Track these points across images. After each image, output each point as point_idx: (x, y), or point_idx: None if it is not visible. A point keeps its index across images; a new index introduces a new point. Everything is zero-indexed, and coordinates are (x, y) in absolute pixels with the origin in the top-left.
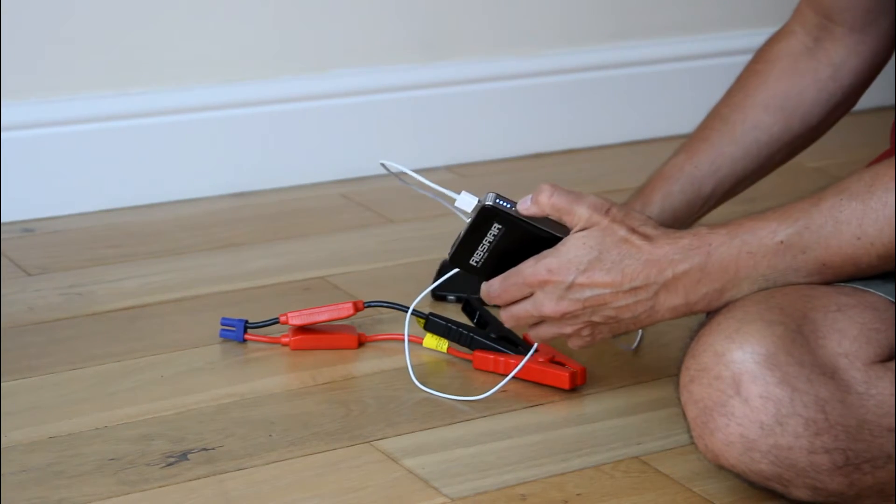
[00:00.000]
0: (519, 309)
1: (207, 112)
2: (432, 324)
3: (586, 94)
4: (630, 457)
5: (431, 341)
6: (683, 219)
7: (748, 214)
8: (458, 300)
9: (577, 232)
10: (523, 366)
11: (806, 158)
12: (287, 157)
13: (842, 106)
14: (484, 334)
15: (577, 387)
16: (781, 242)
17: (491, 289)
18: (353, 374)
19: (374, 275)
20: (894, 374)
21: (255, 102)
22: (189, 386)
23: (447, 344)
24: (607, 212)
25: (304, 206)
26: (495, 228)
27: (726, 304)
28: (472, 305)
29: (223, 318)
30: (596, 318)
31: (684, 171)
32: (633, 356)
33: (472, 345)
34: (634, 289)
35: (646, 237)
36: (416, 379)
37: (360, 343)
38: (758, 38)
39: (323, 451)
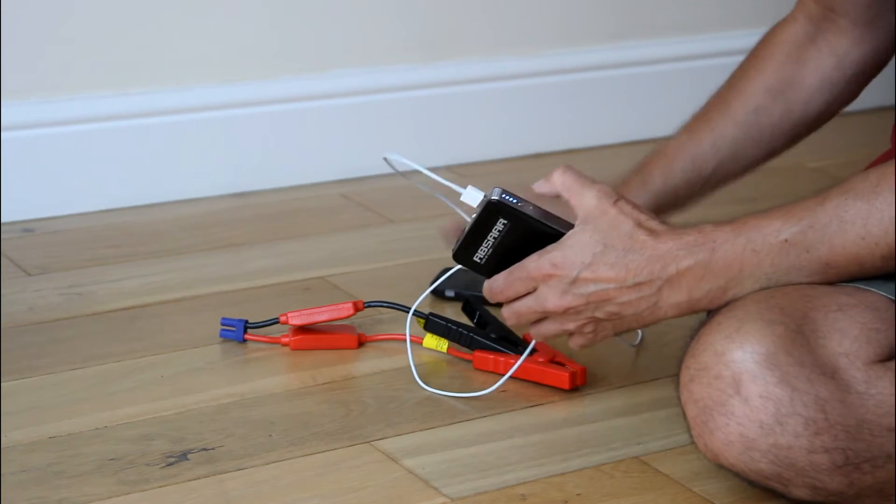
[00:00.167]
0: (521, 305)
1: (207, 112)
2: (432, 324)
3: (586, 94)
4: (630, 457)
5: (431, 341)
6: (683, 198)
7: (752, 213)
8: (456, 296)
9: (581, 220)
10: (524, 366)
11: (806, 158)
12: (287, 157)
13: (843, 97)
14: (484, 334)
15: (577, 387)
16: (786, 241)
17: (494, 284)
18: (353, 374)
19: (374, 275)
20: (894, 374)
21: (255, 102)
22: (189, 386)
23: (447, 344)
24: (615, 202)
25: (304, 206)
26: (500, 224)
27: (728, 303)
28: (472, 305)
29: (223, 318)
30: (599, 314)
31: (686, 149)
32: (633, 356)
33: (472, 345)
34: (638, 284)
35: (651, 232)
36: (417, 377)
37: (360, 343)
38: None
39: (323, 451)
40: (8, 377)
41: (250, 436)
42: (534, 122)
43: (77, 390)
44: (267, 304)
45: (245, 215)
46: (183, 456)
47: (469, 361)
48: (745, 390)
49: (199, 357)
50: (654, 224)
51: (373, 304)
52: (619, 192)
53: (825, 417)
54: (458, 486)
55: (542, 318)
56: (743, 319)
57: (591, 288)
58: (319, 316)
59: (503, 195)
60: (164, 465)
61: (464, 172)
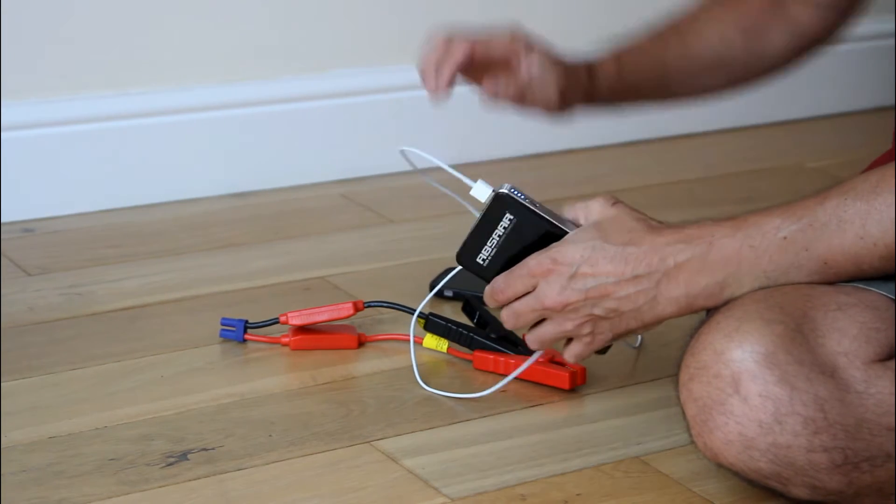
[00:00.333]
0: (520, 304)
1: (207, 112)
2: (432, 324)
3: None
4: (630, 457)
5: (431, 341)
6: (647, 88)
7: (752, 211)
8: (456, 296)
9: (584, 222)
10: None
11: (806, 158)
12: (287, 157)
13: (808, 47)
14: (484, 334)
15: (577, 387)
16: (785, 238)
17: (495, 285)
18: (353, 374)
19: (374, 275)
20: (894, 374)
21: (255, 102)
22: (189, 386)
23: (447, 344)
24: (614, 204)
25: (304, 206)
26: (507, 219)
27: (726, 302)
28: (472, 305)
29: (223, 318)
30: (597, 311)
31: (655, 49)
32: (634, 356)
33: (472, 345)
34: (637, 277)
35: (650, 227)
36: (420, 379)
37: (360, 343)
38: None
39: (323, 451)
40: (8, 377)
41: (250, 436)
42: (534, 122)
43: (77, 390)
44: (267, 304)
45: (245, 215)
46: (183, 456)
47: (469, 361)
48: (745, 389)
49: (199, 357)
50: (652, 221)
51: (373, 304)
52: (616, 196)
53: (824, 417)
54: (458, 486)
55: (541, 320)
56: (742, 318)
57: (591, 283)
58: (319, 316)
59: (512, 190)
60: (164, 465)
61: (464, 172)
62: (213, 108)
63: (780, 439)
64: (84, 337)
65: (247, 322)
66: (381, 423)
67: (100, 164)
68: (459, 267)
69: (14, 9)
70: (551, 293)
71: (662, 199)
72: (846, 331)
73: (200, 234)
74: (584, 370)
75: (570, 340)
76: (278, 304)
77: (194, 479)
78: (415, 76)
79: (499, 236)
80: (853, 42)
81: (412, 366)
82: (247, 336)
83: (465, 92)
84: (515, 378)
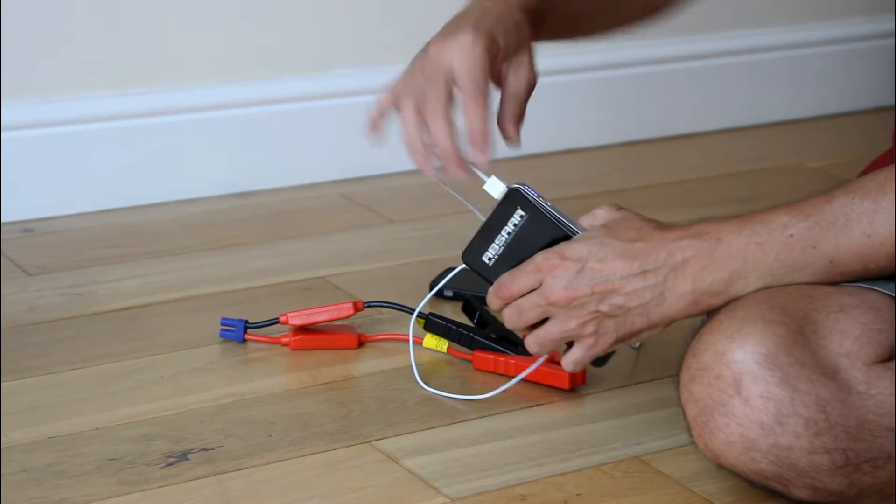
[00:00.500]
0: (525, 300)
1: (207, 112)
2: (432, 324)
3: (586, 94)
4: (630, 457)
5: (431, 341)
6: (562, 35)
7: (759, 209)
8: (456, 296)
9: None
10: (523, 366)
11: (806, 158)
12: (287, 157)
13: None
14: (484, 334)
15: (577, 387)
16: (791, 236)
17: (500, 280)
18: (353, 374)
19: (374, 275)
20: (894, 375)
21: (255, 102)
22: (189, 386)
23: (447, 344)
24: (620, 209)
25: (304, 206)
26: (518, 216)
27: (729, 302)
28: (472, 305)
29: (223, 318)
30: (603, 308)
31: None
32: (634, 356)
33: (472, 345)
34: (645, 272)
35: (658, 225)
36: (420, 379)
37: (360, 343)
38: (757, 38)
39: (323, 451)
40: (8, 377)
41: (250, 436)
42: (534, 122)
43: (77, 390)
44: (267, 304)
45: (245, 215)
46: (183, 456)
47: (469, 361)
48: (746, 390)
49: (199, 357)
50: (659, 221)
51: (373, 304)
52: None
53: (826, 418)
54: (458, 486)
55: (543, 319)
56: (744, 319)
57: (598, 277)
58: (319, 316)
59: (526, 187)
60: (164, 465)
61: None
62: (213, 108)
63: (782, 441)
64: (84, 337)
65: (247, 322)
66: (381, 423)
67: (100, 164)
68: (461, 266)
69: (14, 9)
70: (557, 287)
71: (662, 199)
72: (848, 332)
73: (200, 234)
74: (583, 370)
75: (569, 347)
76: (278, 304)
77: (194, 479)
78: None
79: (508, 234)
80: (853, 42)
81: (412, 366)
82: (247, 336)
83: None
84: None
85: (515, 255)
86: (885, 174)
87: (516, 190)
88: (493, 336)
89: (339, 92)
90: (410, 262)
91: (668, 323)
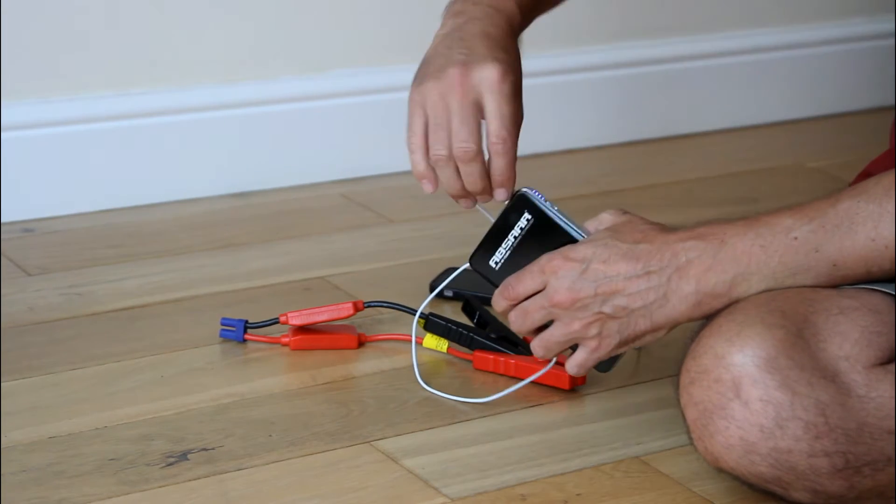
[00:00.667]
0: (530, 302)
1: (207, 112)
2: (432, 324)
3: (586, 94)
4: (630, 457)
5: (431, 341)
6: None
7: (763, 212)
8: (456, 296)
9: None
10: (523, 366)
11: (806, 158)
12: (287, 157)
13: None
14: (484, 334)
15: (577, 387)
16: (795, 239)
17: (506, 282)
18: (353, 374)
19: (374, 275)
20: (894, 377)
21: (255, 102)
22: (189, 386)
23: (447, 344)
24: (625, 213)
25: (304, 206)
26: (524, 220)
27: (733, 303)
28: (472, 305)
29: (223, 318)
30: (606, 309)
31: None
32: (634, 356)
33: (472, 345)
34: (648, 273)
35: (662, 228)
36: (421, 380)
37: (360, 343)
38: (757, 38)
39: (323, 451)
40: (8, 377)
41: (250, 436)
42: (534, 122)
43: (77, 390)
44: (267, 304)
45: (245, 215)
46: (183, 456)
47: (469, 361)
48: (746, 394)
49: (199, 357)
50: (664, 224)
51: (373, 304)
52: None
53: (825, 421)
54: (458, 486)
55: (548, 322)
56: (743, 323)
57: (602, 277)
58: (319, 316)
59: (534, 192)
60: (164, 465)
61: None
62: (213, 108)
63: (782, 444)
64: (84, 337)
65: (247, 322)
66: (381, 423)
67: (100, 164)
68: (463, 267)
69: (14, 9)
70: (561, 288)
71: (662, 199)
72: (848, 335)
73: (200, 234)
74: None
75: (574, 350)
76: (278, 304)
77: (194, 479)
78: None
79: (514, 237)
80: (853, 42)
81: (412, 366)
82: (247, 336)
83: None
84: (514, 379)
85: (522, 259)
86: (891, 178)
87: (522, 194)
88: (493, 336)
89: (339, 92)
90: (410, 262)
91: (672, 326)
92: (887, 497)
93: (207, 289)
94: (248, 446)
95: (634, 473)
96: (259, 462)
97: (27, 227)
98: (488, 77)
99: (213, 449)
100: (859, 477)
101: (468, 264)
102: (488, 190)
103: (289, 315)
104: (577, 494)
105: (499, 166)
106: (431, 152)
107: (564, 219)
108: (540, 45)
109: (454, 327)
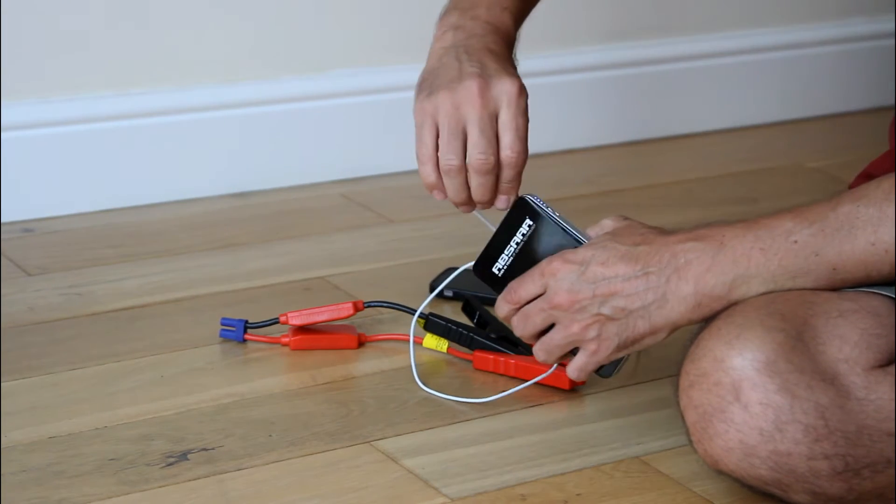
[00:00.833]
0: (530, 306)
1: (207, 112)
2: (432, 324)
3: (586, 95)
4: (630, 457)
5: (431, 341)
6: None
7: (763, 214)
8: (455, 296)
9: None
10: (523, 366)
11: (806, 158)
12: (287, 157)
13: None
14: (484, 334)
15: (577, 387)
16: (795, 242)
17: (508, 287)
18: (353, 374)
19: (374, 275)
20: (894, 379)
21: (255, 102)
22: (189, 386)
23: (447, 344)
24: (626, 218)
25: (304, 206)
26: (526, 226)
27: (732, 306)
28: (472, 305)
29: (223, 318)
30: (605, 310)
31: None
32: (634, 357)
33: (472, 345)
34: (647, 274)
35: (662, 230)
36: (419, 381)
37: (360, 343)
38: (756, 38)
39: (323, 451)
40: (8, 377)
41: (250, 436)
42: (534, 122)
43: (77, 390)
44: (267, 304)
45: (245, 215)
46: (183, 456)
47: (469, 361)
48: (745, 397)
49: (199, 357)
50: (664, 228)
51: (373, 304)
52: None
53: (825, 424)
54: (458, 486)
55: (549, 326)
56: (743, 326)
57: (600, 278)
58: (319, 316)
59: (535, 198)
60: (164, 465)
61: None
62: (213, 108)
63: (781, 447)
64: (84, 337)
65: (247, 322)
66: (381, 423)
67: (100, 164)
68: (463, 267)
69: (14, 9)
70: (560, 290)
71: (662, 199)
72: (847, 337)
73: (200, 234)
74: None
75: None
76: (278, 304)
77: (194, 479)
78: (414, 76)
79: (517, 244)
80: (852, 42)
81: (412, 367)
82: (247, 336)
83: None
84: (514, 379)
85: (525, 266)
86: (891, 181)
87: (524, 200)
88: (493, 336)
89: (339, 92)
90: (410, 262)
91: (671, 329)
92: (887, 499)
93: (207, 289)
94: (248, 446)
95: (634, 473)
96: (259, 462)
97: (27, 227)
98: (508, 91)
99: (213, 449)
100: (859, 479)
101: (468, 265)
102: (493, 199)
103: (289, 315)
104: (577, 494)
105: (508, 177)
106: (442, 162)
107: (566, 224)
108: (540, 45)
109: (454, 327)
